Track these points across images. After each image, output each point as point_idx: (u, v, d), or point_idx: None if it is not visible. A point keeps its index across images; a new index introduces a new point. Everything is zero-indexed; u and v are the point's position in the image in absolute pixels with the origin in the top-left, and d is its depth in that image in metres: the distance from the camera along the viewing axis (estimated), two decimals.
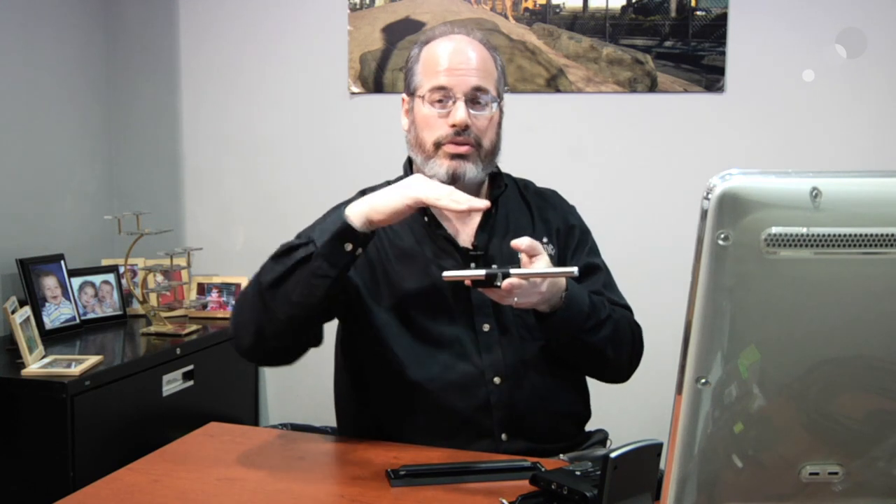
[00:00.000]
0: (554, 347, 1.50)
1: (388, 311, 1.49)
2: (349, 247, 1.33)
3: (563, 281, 1.39)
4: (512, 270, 1.30)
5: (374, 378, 1.53)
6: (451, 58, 1.48)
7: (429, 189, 1.34)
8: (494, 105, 1.50)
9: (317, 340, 1.49)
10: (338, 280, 1.35)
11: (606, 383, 1.60)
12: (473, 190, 1.51)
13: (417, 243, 1.52)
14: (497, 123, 1.53)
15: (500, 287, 1.30)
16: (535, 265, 1.34)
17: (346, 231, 1.33)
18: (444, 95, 1.47)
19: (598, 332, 1.45)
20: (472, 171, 1.48)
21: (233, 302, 2.86)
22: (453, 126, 1.46)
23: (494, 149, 1.53)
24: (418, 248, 1.52)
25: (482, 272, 1.30)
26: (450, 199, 1.32)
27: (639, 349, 1.58)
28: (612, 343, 1.48)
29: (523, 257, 1.36)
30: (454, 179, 1.47)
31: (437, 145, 1.48)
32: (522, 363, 1.49)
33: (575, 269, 1.33)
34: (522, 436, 1.48)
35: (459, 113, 1.46)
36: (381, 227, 1.52)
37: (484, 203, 1.33)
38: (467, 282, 1.34)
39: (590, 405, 1.62)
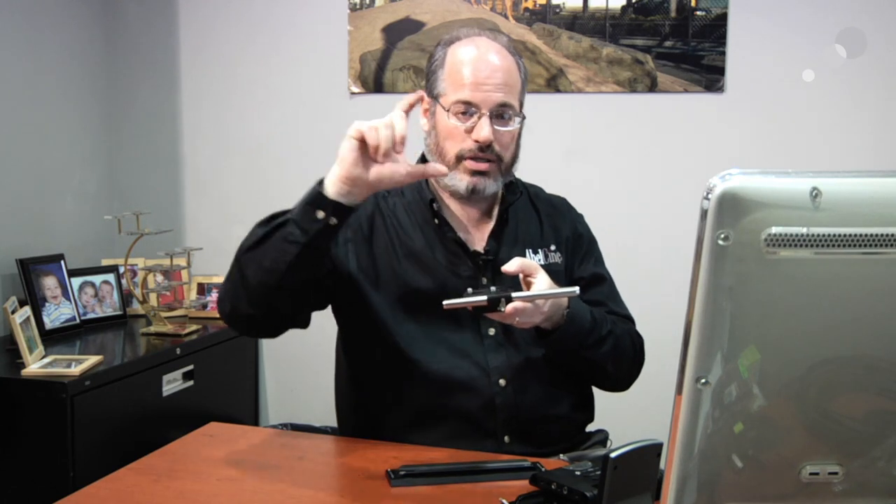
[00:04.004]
0: (554, 359, 1.50)
1: (396, 311, 1.49)
2: (321, 214, 1.30)
3: (565, 298, 1.39)
4: (514, 294, 1.28)
5: (375, 378, 1.53)
6: (477, 70, 1.46)
7: (364, 130, 1.33)
8: (517, 120, 1.50)
9: (303, 322, 1.47)
10: (309, 248, 1.31)
11: (605, 391, 1.61)
12: (490, 197, 1.54)
13: (428, 246, 1.52)
14: (518, 135, 1.53)
15: (503, 311, 1.28)
16: (537, 285, 1.33)
17: (316, 197, 1.31)
18: (468, 108, 1.47)
19: (599, 348, 1.46)
20: (491, 186, 1.50)
21: None
22: (476, 142, 1.46)
23: (514, 161, 1.54)
24: (429, 250, 1.52)
25: (484, 298, 1.28)
26: (382, 140, 1.31)
27: (640, 361, 1.59)
28: (613, 358, 1.49)
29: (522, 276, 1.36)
30: (473, 193, 1.49)
31: (459, 158, 1.48)
32: (527, 367, 1.49)
33: (576, 289, 1.34)
34: (525, 439, 1.48)
35: (484, 131, 1.45)
36: (391, 226, 1.52)
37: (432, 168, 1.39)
38: (469, 308, 1.30)
39: (593, 409, 1.63)
